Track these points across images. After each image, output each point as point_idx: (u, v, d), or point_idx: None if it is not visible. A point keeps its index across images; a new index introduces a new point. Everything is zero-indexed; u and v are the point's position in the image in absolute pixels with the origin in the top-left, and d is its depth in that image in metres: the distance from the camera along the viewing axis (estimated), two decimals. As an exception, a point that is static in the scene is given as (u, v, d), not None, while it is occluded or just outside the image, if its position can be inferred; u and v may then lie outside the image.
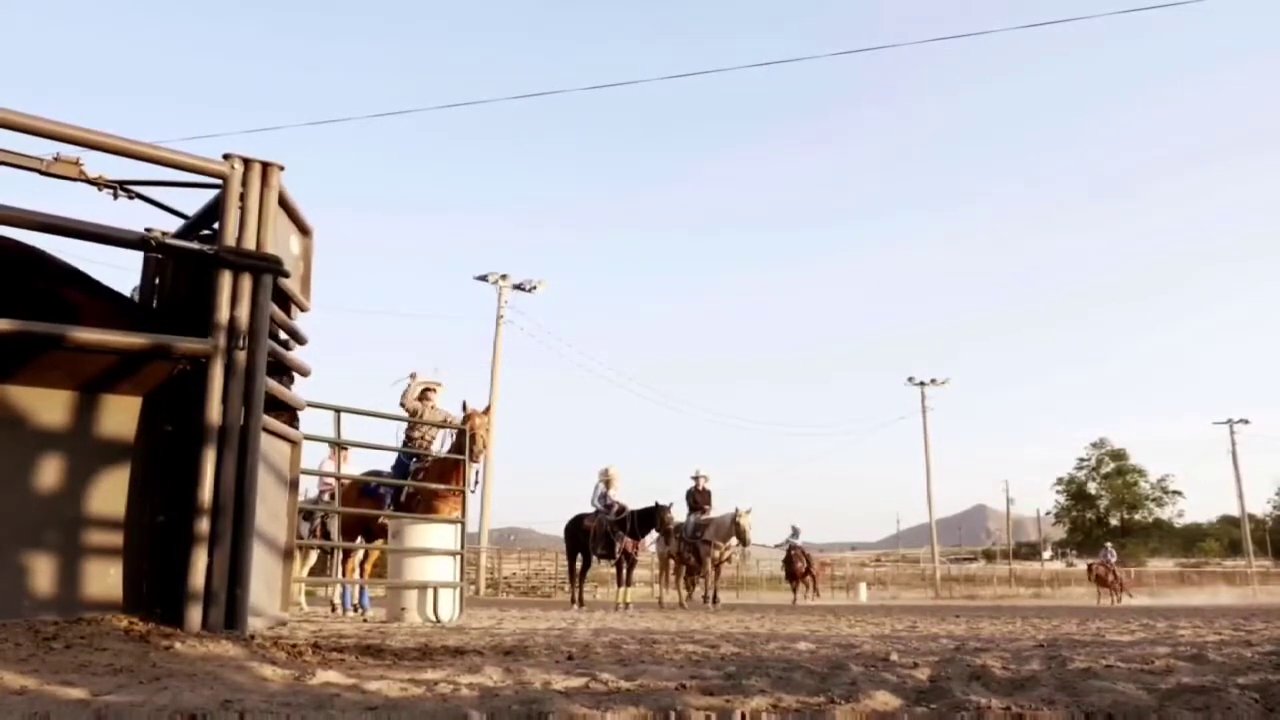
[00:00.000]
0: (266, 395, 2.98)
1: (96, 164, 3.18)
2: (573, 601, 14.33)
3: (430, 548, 7.75)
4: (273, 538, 3.26)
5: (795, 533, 21.93)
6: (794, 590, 21.66)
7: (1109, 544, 29.41)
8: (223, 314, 2.83)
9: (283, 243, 3.16)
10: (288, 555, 3.45)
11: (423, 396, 9.94)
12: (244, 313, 2.86)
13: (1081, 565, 33.47)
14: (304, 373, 3.44)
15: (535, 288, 32.85)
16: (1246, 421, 48.03)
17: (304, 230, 3.44)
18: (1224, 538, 56.36)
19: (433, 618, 7.39)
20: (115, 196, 3.15)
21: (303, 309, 3.44)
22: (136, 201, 3.32)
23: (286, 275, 3.09)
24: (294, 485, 3.56)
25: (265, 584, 3.12)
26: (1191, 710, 1.69)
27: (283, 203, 3.11)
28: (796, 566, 21.27)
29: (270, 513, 3.19)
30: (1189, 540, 57.23)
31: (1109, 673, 2.45)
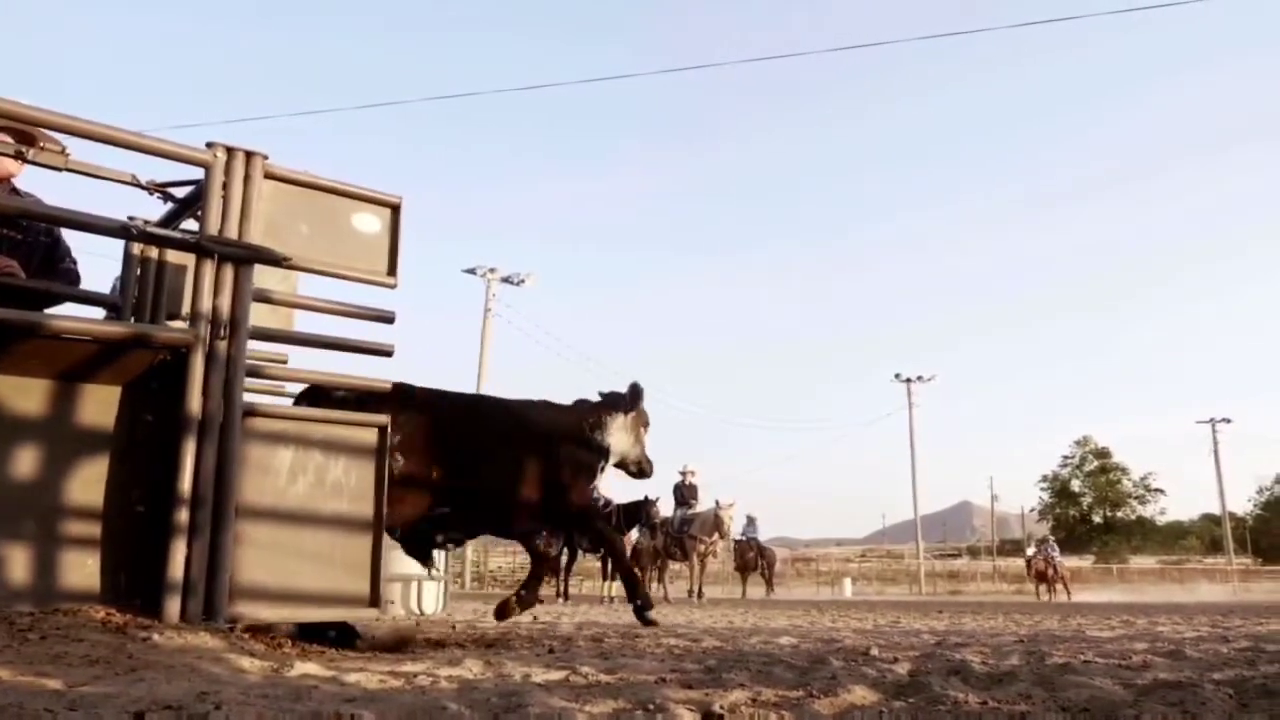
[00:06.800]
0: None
1: (78, 151, 3.15)
2: (558, 595, 14.36)
3: (415, 540, 7.72)
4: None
5: (750, 523, 20.60)
6: (744, 583, 20.63)
7: (1050, 537, 29.18)
8: (204, 303, 2.81)
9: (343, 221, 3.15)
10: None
11: None
12: (226, 302, 2.84)
13: (1071, 561, 33.23)
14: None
15: (524, 281, 32.70)
16: (1229, 420, 48.38)
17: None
18: (1205, 535, 56.79)
19: (416, 611, 7.39)
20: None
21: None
22: (118, 188, 3.29)
23: (275, 263, 3.01)
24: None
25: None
26: (1166, 705, 1.70)
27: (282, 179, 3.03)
28: (746, 558, 20.27)
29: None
30: (1171, 538, 57.62)
31: (1087, 668, 2.47)
